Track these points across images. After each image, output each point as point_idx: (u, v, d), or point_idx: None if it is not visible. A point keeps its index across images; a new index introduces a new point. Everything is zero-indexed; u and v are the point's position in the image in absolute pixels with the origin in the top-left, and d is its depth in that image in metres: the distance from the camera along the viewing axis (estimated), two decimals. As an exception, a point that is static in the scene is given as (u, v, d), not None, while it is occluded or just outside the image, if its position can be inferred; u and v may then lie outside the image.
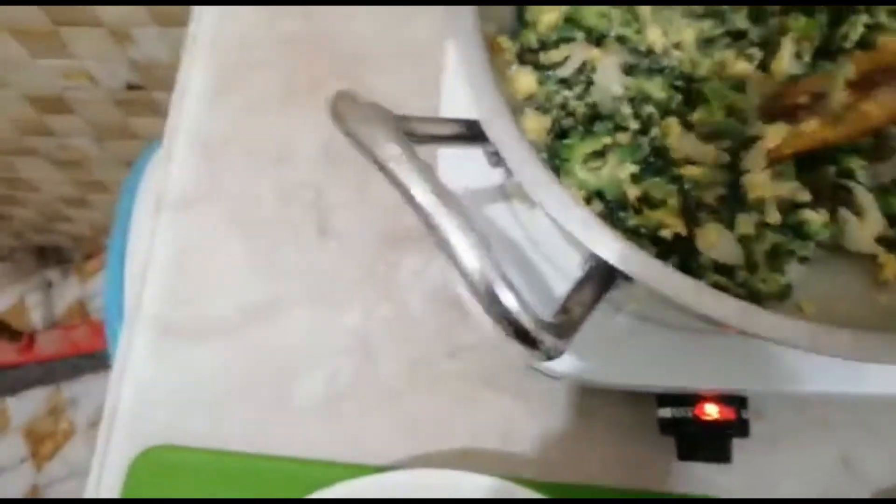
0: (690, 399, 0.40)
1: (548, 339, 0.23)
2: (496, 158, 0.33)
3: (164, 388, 0.46)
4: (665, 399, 0.41)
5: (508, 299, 0.22)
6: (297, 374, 0.46)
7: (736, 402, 0.39)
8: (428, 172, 0.23)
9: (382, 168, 0.23)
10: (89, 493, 0.45)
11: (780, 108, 0.36)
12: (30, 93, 1.04)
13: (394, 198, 0.49)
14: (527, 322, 0.23)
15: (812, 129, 0.34)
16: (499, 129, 0.29)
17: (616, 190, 0.34)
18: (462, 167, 0.40)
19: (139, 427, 0.45)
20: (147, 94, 1.03)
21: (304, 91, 0.55)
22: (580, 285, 0.27)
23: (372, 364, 0.46)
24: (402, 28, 0.56)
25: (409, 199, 0.23)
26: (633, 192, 0.34)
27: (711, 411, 0.39)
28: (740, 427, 0.40)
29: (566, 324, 0.25)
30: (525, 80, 0.39)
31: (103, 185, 1.29)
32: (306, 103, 0.54)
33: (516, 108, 0.38)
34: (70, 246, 1.54)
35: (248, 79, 0.56)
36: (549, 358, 0.24)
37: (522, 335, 0.23)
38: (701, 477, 0.43)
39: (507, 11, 0.40)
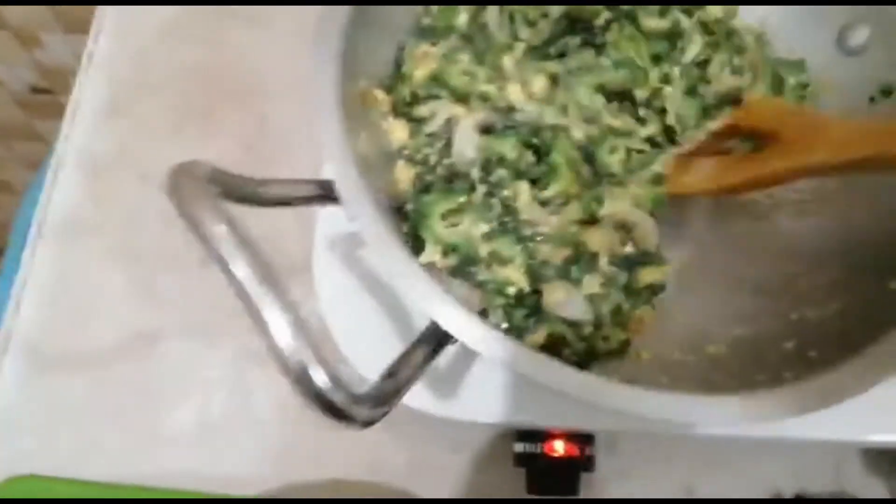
0: (542, 436, 0.42)
1: (361, 413, 0.25)
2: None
3: (31, 417, 0.46)
4: (522, 435, 0.44)
5: (320, 378, 0.23)
6: (168, 404, 0.46)
7: (582, 439, 0.42)
8: (248, 252, 0.24)
9: (205, 244, 0.24)
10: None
11: None
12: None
13: (278, 230, 0.50)
14: (338, 400, 0.24)
15: None
16: (352, 196, 0.31)
17: (469, 246, 0.36)
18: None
19: (2, 455, 0.45)
20: (55, 98, 1.00)
21: (198, 116, 0.55)
22: (414, 346, 0.29)
23: (244, 395, 0.46)
24: (300, 59, 0.57)
25: (228, 275, 0.24)
26: (484, 249, 0.36)
27: (559, 448, 0.42)
28: (586, 463, 0.43)
29: (388, 390, 0.27)
30: (399, 131, 0.41)
31: (9, 185, 1.25)
32: (199, 129, 0.55)
33: (391, 158, 0.40)
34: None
35: (142, 101, 0.56)
36: (365, 426, 0.25)
37: (335, 412, 0.24)
38: (555, 507, 0.45)
39: (384, 66, 0.42)
